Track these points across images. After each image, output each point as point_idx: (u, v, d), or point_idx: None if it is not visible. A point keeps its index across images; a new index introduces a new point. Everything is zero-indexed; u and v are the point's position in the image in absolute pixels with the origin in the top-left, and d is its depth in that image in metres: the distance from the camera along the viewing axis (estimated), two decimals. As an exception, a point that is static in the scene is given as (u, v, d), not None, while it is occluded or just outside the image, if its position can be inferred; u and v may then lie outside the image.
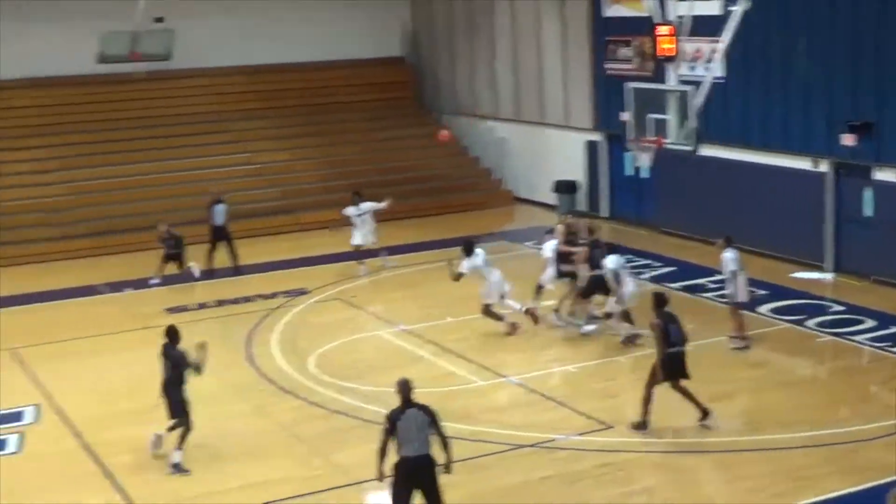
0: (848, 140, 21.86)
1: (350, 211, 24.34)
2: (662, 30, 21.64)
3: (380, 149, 33.45)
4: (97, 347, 19.85)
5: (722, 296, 19.47)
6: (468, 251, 19.41)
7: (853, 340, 18.51)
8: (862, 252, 22.20)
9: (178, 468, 13.97)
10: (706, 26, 22.03)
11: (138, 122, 32.16)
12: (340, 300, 22.29)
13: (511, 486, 13.40)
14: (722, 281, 19.04)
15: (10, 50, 31.15)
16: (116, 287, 24.02)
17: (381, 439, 11.53)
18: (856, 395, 16.26)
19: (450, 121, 34.54)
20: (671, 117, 20.55)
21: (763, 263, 22.63)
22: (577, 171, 30.10)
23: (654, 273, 23.34)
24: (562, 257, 19.66)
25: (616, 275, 18.49)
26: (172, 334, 14.47)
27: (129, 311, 22.08)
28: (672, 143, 20.76)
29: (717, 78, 22.59)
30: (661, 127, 20.71)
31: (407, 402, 11.59)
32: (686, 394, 14.79)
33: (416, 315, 20.84)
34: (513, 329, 19.29)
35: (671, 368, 14.65)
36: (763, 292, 20.89)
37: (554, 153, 31.06)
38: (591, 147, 29.69)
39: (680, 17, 21.43)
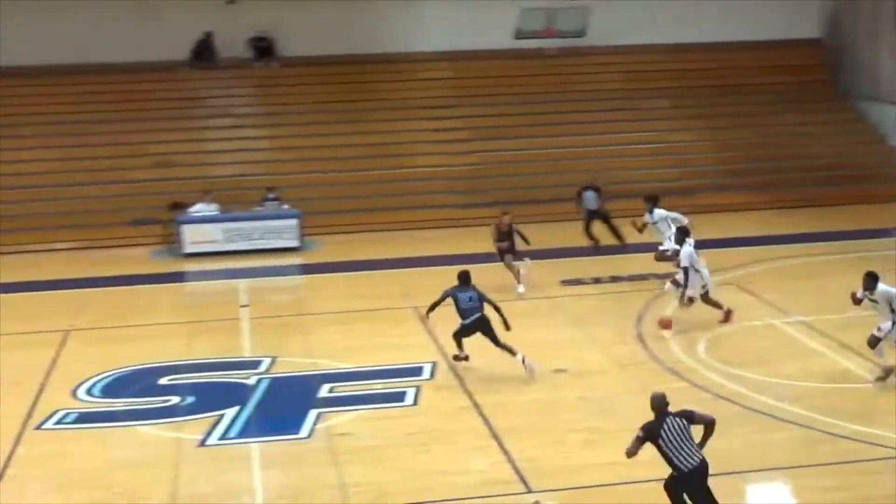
0: None
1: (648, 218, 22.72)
2: None
3: (783, 133, 32.39)
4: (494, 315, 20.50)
5: None
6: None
7: None
8: None
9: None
10: None
11: (548, 96, 32.86)
12: (735, 285, 21.84)
13: (903, 495, 12.68)
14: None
15: (433, 24, 32.83)
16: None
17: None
18: None
19: (868, 107, 32.85)
20: None
21: None
22: None
23: None
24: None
25: None
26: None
27: (529, 280, 22.67)
28: None
29: None
30: None
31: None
32: None
33: (814, 306, 20.06)
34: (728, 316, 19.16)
35: None
36: None
37: None
38: None
39: None
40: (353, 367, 17.61)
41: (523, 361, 16.59)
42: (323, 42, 32.88)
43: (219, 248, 26.15)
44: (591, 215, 25.40)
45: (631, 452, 11.10)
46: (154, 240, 26.86)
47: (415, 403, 16.05)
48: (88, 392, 16.81)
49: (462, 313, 16.75)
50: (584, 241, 25.03)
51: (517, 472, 13.45)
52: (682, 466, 10.90)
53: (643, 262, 23.45)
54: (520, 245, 22.02)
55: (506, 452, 14.07)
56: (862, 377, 16.45)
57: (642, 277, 22.53)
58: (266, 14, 32.87)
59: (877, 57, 33.33)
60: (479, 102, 32.69)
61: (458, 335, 16.95)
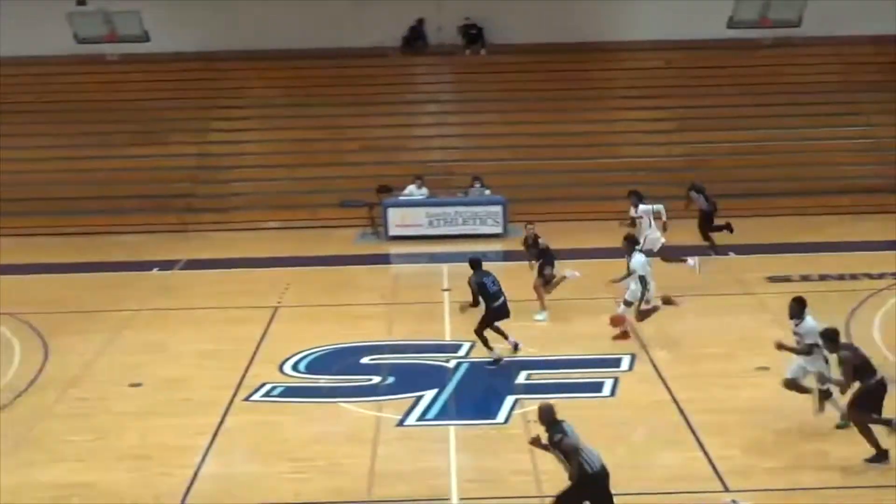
0: None
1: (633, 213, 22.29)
2: None
3: None
4: (695, 307, 20.19)
5: None
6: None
7: None
8: None
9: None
10: None
11: (760, 88, 32.07)
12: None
13: None
14: None
15: (646, 12, 32.51)
16: (721, 251, 24.23)
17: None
18: None
19: None
20: None
21: None
22: None
23: None
24: None
25: None
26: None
27: (733, 275, 22.26)
28: None
29: None
30: None
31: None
32: None
33: None
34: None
35: None
36: None
37: None
38: None
39: None
40: (551, 355, 17.62)
41: (515, 347, 17.36)
42: (531, 30, 32.95)
43: (423, 232, 26.55)
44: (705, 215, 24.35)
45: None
46: (360, 222, 27.45)
47: (612, 394, 15.96)
48: (294, 367, 17.35)
49: (493, 297, 17.03)
50: (792, 237, 24.26)
51: (714, 469, 13.23)
52: (587, 468, 11.05)
53: (854, 261, 22.72)
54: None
55: (702, 448, 13.86)
56: None
57: (853, 277, 21.76)
58: (477, 2, 33.16)
59: None
60: (689, 93, 32.16)
61: (486, 326, 17.15)
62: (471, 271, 17.43)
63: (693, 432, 14.36)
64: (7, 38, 32.32)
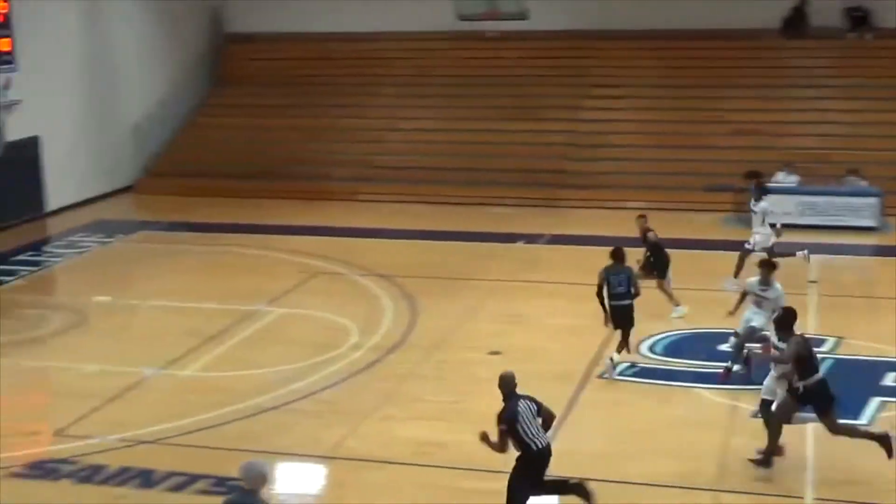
0: None
1: None
2: None
3: None
4: None
5: None
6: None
7: None
8: None
9: None
10: None
11: None
12: None
13: None
14: None
15: None
16: None
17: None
18: None
19: None
20: None
21: None
22: None
23: None
24: None
25: None
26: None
27: None
28: None
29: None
30: None
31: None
32: None
33: None
34: None
35: None
36: None
37: None
38: None
39: None
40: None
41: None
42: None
43: (791, 220, 25.74)
44: None
45: (499, 448, 11.24)
46: (726, 207, 26.95)
47: None
48: (651, 349, 17.37)
49: (613, 297, 16.07)
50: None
51: None
52: (532, 445, 11.09)
53: None
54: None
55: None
56: None
57: None
58: (867, -16, 31.69)
59: None
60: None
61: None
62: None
63: None
64: (389, 14, 34.03)
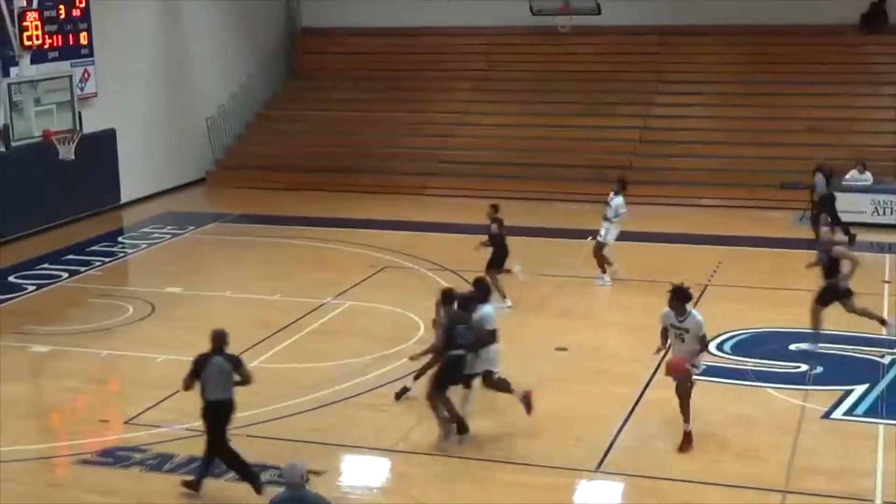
0: None
1: None
2: None
3: None
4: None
5: None
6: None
7: None
8: None
9: None
10: None
11: None
12: None
13: None
14: None
15: None
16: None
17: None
18: None
19: None
20: None
21: None
22: None
23: None
24: None
25: None
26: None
27: None
28: None
29: None
30: None
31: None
32: None
33: None
34: None
35: None
36: None
37: None
38: None
39: None
40: None
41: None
42: None
43: (866, 219, 25.37)
44: (817, 204, 23.02)
45: (187, 385, 12.61)
46: (800, 205, 26.58)
47: None
48: (719, 347, 17.19)
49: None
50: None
51: None
52: (207, 397, 12.44)
53: None
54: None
55: None
56: None
57: None
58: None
59: None
60: None
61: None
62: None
63: None
64: (462, 9, 34.02)
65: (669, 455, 13.53)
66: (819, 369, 16.15)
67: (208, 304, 20.23)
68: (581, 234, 23.75)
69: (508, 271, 19.74)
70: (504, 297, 19.29)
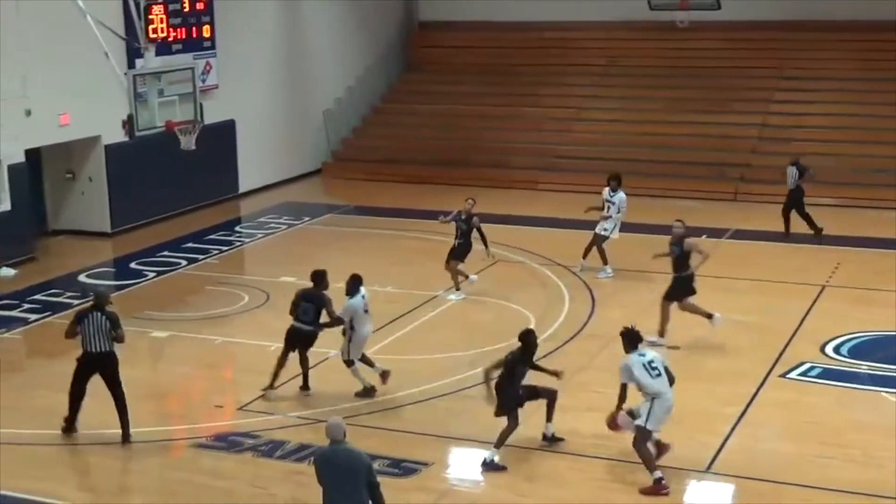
0: None
1: None
2: None
3: None
4: None
5: None
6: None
7: None
8: None
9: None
10: None
11: None
12: None
13: None
14: None
15: None
16: None
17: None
18: None
19: None
20: None
21: None
22: None
23: None
24: None
25: None
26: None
27: None
28: None
29: None
30: None
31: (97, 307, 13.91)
32: None
33: None
34: None
35: None
36: None
37: None
38: None
39: None
40: None
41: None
42: None
43: None
44: (788, 197, 23.35)
45: (69, 333, 14.00)
46: (928, 204, 25.92)
47: None
48: (836, 350, 16.86)
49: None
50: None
51: None
52: (87, 348, 13.81)
53: None
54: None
55: None
56: None
57: None
58: None
59: None
60: None
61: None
62: None
63: None
64: (581, 4, 33.85)
65: (783, 457, 13.31)
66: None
67: (322, 294, 20.44)
68: (695, 232, 23.46)
69: (466, 277, 20.02)
70: (458, 288, 19.98)
